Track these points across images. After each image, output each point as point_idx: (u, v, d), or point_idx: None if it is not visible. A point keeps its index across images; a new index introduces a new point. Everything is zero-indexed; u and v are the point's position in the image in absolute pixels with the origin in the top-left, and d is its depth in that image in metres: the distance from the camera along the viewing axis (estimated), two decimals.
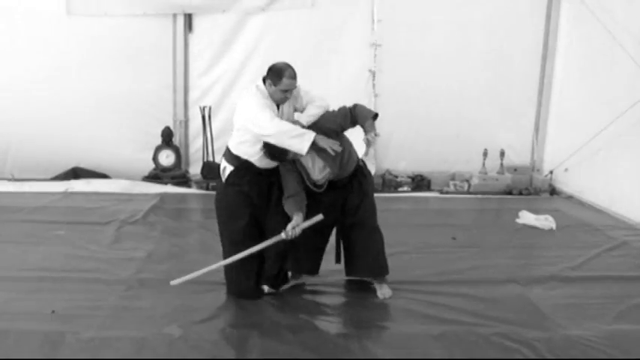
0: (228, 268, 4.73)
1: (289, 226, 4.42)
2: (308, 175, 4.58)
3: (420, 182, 9.18)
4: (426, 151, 9.42)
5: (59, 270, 5.35)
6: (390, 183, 8.99)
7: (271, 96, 4.49)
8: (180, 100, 9.38)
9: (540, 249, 6.29)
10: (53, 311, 4.47)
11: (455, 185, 9.17)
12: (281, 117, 4.50)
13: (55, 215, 7.24)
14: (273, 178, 4.68)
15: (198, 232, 6.73)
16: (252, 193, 4.65)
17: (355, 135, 4.77)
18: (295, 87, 4.52)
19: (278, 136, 4.28)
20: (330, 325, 4.32)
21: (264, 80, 4.53)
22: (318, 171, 4.54)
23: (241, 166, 4.61)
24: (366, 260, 4.82)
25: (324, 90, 4.65)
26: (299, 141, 4.27)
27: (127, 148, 9.31)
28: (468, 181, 9.14)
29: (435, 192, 9.02)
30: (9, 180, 9.08)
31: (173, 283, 4.24)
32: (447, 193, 8.97)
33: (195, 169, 9.50)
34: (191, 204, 8.33)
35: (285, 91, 4.46)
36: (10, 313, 4.47)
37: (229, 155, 4.69)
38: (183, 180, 9.24)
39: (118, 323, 4.31)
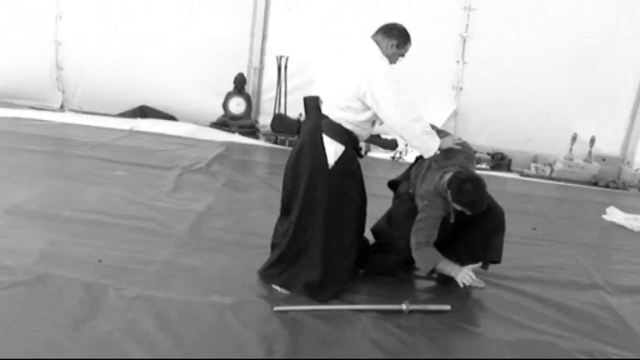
0: (329, 248, 4.00)
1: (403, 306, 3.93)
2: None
3: (499, 161, 8.64)
4: (510, 127, 8.89)
5: (112, 214, 5.10)
6: None
7: (388, 58, 3.97)
8: (257, 47, 9.05)
9: (630, 253, 5.64)
10: (100, 260, 4.21)
11: (537, 168, 8.60)
12: None
13: (117, 154, 7.04)
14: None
15: (261, 188, 6.39)
16: (359, 170, 4.14)
17: None
18: None
19: (408, 129, 3.86)
20: (398, 317, 3.89)
21: (375, 40, 3.99)
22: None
23: (350, 143, 3.99)
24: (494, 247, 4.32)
25: (410, 54, 4.13)
26: (430, 140, 3.94)
27: (197, 91, 9.09)
28: (551, 165, 8.56)
29: (515, 173, 8.47)
30: (76, 112, 8.95)
31: (276, 309, 3.82)
32: (528, 175, 8.40)
33: (264, 120, 9.18)
34: (257, 156, 8.01)
35: (402, 56, 4.05)
36: (56, 256, 4.22)
37: (338, 131, 3.95)
38: (252, 130, 8.92)
39: (165, 282, 4.00)
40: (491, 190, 4.07)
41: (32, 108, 9.13)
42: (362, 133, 4.03)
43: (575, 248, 5.53)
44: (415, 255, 3.91)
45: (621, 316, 4.20)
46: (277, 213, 4.45)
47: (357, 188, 4.10)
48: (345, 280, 4.11)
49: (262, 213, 5.53)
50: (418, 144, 3.96)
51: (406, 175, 4.48)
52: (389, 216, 4.47)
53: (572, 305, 4.28)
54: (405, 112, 3.84)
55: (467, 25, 8.65)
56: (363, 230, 4.35)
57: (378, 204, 5.34)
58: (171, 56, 8.98)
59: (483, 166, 8.45)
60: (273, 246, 4.24)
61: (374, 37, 4.01)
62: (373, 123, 4.07)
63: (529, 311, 4.13)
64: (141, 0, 8.90)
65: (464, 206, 3.86)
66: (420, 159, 4.37)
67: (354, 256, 4.13)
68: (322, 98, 4.02)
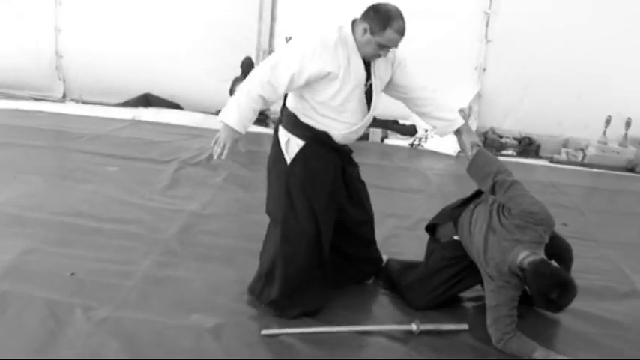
0: (289, 259, 3.45)
1: None
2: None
3: (527, 146, 8.05)
4: (539, 110, 8.26)
5: (96, 218, 4.65)
6: (493, 144, 7.88)
7: (360, 47, 3.15)
8: (266, 29, 8.52)
9: None
10: (72, 273, 3.76)
11: (567, 154, 7.98)
12: (374, 82, 3.30)
13: (114, 147, 6.62)
14: (345, 158, 3.61)
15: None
16: (328, 173, 3.47)
17: None
18: (397, 47, 3.19)
19: (245, 87, 3.25)
20: (406, 339, 3.38)
21: (353, 23, 3.18)
22: None
23: (314, 139, 3.37)
24: None
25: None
26: (233, 112, 3.33)
27: (203, 77, 8.62)
28: (583, 150, 7.95)
29: (544, 160, 7.87)
30: (77, 102, 8.54)
31: (264, 332, 3.27)
32: (558, 162, 7.80)
33: (275, 107, 8.61)
34: (266, 147, 7.33)
35: (384, 47, 3.13)
36: (24, 269, 3.80)
37: (294, 123, 3.40)
38: (261, 118, 8.37)
39: (142, 300, 3.54)
40: (518, 179, 3.51)
41: (34, 98, 8.74)
42: (329, 130, 3.35)
43: (611, 248, 4.91)
44: (504, 349, 3.24)
45: None
46: None
47: (326, 194, 3.43)
48: (316, 301, 3.53)
49: (265, 216, 5.03)
50: (229, 105, 3.35)
51: (451, 217, 3.72)
52: (417, 263, 3.85)
53: (608, 317, 3.73)
54: (256, 76, 3.22)
55: (490, 1, 8.03)
56: (369, 241, 3.87)
57: (394, 198, 4.84)
58: (176, 41, 8.49)
59: (509, 152, 7.86)
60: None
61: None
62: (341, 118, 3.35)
63: (556, 326, 3.60)
64: None
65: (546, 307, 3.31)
66: (469, 202, 3.68)
67: (322, 273, 3.55)
68: None
